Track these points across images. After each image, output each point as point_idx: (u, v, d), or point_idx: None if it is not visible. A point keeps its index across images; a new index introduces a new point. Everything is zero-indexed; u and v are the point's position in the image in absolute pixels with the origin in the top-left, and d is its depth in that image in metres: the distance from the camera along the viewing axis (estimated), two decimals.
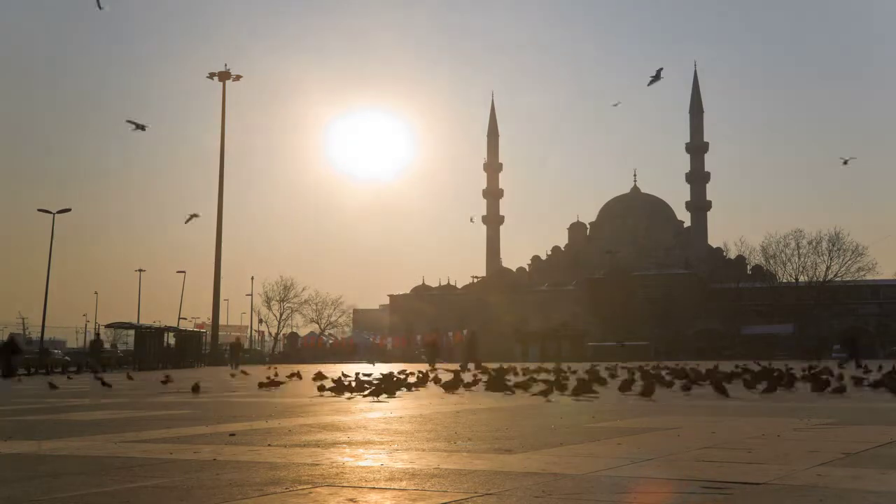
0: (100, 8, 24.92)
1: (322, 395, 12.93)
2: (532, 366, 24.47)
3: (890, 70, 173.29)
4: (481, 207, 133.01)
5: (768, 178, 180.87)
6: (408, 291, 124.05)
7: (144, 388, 17.45)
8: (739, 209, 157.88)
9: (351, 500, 3.63)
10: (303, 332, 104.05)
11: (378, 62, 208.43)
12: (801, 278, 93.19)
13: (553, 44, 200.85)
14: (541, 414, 8.78)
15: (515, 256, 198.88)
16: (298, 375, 20.41)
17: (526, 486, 3.94)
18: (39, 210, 53.57)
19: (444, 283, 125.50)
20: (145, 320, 72.77)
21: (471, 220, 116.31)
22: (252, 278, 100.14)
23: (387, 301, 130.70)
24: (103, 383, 17.94)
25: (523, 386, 13.68)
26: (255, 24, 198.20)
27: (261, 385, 16.03)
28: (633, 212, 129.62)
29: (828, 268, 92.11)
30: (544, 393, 11.58)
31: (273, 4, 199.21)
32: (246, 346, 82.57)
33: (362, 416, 8.81)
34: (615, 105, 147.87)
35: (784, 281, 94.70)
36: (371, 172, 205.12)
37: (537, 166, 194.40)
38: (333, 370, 25.99)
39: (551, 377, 16.02)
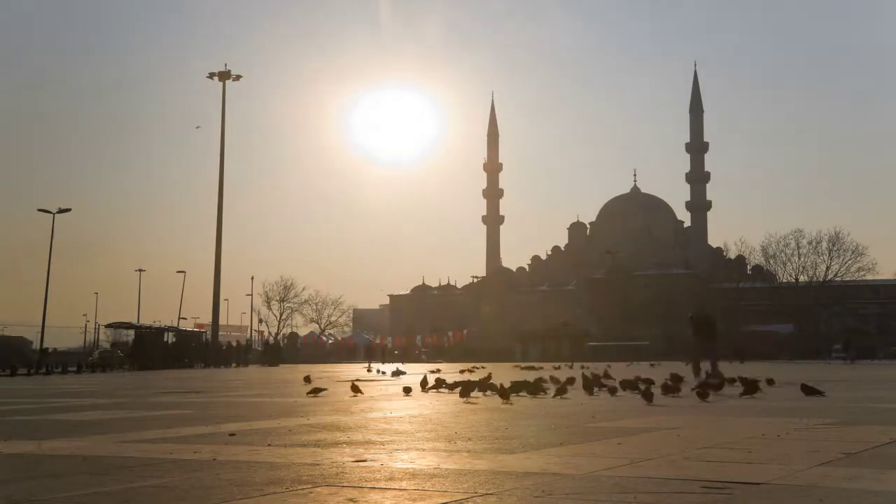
0: None
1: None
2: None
3: (890, 70, 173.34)
4: (481, 207, 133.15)
5: (768, 178, 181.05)
6: (408, 291, 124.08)
7: None
8: (739, 209, 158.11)
9: (351, 500, 3.62)
10: (303, 332, 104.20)
11: (377, 63, 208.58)
12: (801, 278, 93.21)
13: (553, 43, 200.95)
14: (541, 414, 8.77)
15: (515, 256, 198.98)
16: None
17: (526, 486, 3.94)
18: (39, 210, 53.60)
19: (444, 283, 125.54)
20: (145, 320, 72.85)
21: None
22: (252, 278, 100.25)
23: (387, 301, 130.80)
24: None
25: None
26: (254, 26, 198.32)
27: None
28: (633, 212, 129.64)
29: (828, 268, 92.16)
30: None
31: (271, 6, 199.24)
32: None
33: (362, 416, 8.80)
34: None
35: (784, 281, 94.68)
36: (371, 173, 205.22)
37: (537, 166, 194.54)
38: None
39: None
